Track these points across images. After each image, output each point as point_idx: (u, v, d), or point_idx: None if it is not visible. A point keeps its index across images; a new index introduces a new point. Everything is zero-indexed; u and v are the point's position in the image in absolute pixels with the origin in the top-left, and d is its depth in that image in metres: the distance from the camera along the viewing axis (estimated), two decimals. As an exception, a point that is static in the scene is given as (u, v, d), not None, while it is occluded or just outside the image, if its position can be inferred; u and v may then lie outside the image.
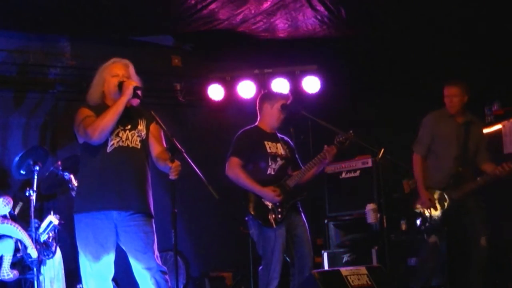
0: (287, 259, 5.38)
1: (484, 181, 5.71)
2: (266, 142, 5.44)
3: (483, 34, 6.96)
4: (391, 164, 5.55)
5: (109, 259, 4.22)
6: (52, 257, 5.63)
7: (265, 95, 5.81)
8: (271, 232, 5.24)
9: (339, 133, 5.34)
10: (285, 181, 5.40)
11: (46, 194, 6.44)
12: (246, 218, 5.40)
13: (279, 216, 5.27)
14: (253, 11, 6.58)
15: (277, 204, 5.29)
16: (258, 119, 5.59)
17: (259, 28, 7.04)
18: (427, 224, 5.82)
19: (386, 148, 5.23)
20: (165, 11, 6.52)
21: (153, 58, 7.56)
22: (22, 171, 5.90)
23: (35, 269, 5.39)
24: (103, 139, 4.18)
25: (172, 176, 4.08)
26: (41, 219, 5.66)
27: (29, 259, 5.39)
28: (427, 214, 5.82)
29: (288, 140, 5.64)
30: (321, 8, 6.50)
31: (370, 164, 7.01)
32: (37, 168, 5.84)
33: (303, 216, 5.45)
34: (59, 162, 6.03)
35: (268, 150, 5.41)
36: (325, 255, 6.93)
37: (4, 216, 5.34)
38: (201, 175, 4.03)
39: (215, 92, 7.50)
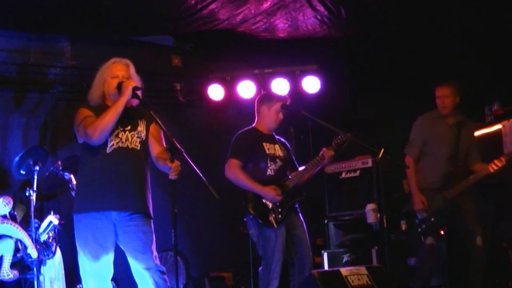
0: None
1: (476, 179, 5.72)
2: (264, 143, 5.44)
3: (483, 34, 6.96)
4: (391, 164, 5.54)
5: (109, 259, 4.22)
6: (52, 257, 5.62)
7: (263, 96, 5.80)
8: (271, 232, 5.24)
9: (339, 134, 5.35)
10: (285, 181, 5.40)
11: (46, 194, 6.44)
12: (245, 219, 5.39)
13: (280, 216, 5.27)
14: (253, 11, 6.58)
15: (277, 204, 5.29)
16: (256, 120, 5.59)
17: (259, 28, 7.04)
18: (423, 226, 5.81)
19: (386, 148, 5.22)
20: (165, 11, 6.52)
21: (153, 58, 7.55)
22: (22, 171, 5.90)
23: (35, 269, 5.38)
24: (103, 139, 4.18)
25: (172, 176, 4.08)
26: (41, 219, 5.66)
27: (29, 259, 5.39)
28: (422, 215, 5.82)
29: (285, 141, 5.64)
30: (321, 8, 6.50)
31: (370, 164, 7.01)
32: (37, 168, 5.84)
33: (301, 217, 5.45)
34: (59, 162, 6.03)
35: (267, 151, 5.41)
36: (325, 255, 6.93)
37: (4, 216, 5.34)
38: (201, 175, 4.03)
39: (215, 92, 7.49)
